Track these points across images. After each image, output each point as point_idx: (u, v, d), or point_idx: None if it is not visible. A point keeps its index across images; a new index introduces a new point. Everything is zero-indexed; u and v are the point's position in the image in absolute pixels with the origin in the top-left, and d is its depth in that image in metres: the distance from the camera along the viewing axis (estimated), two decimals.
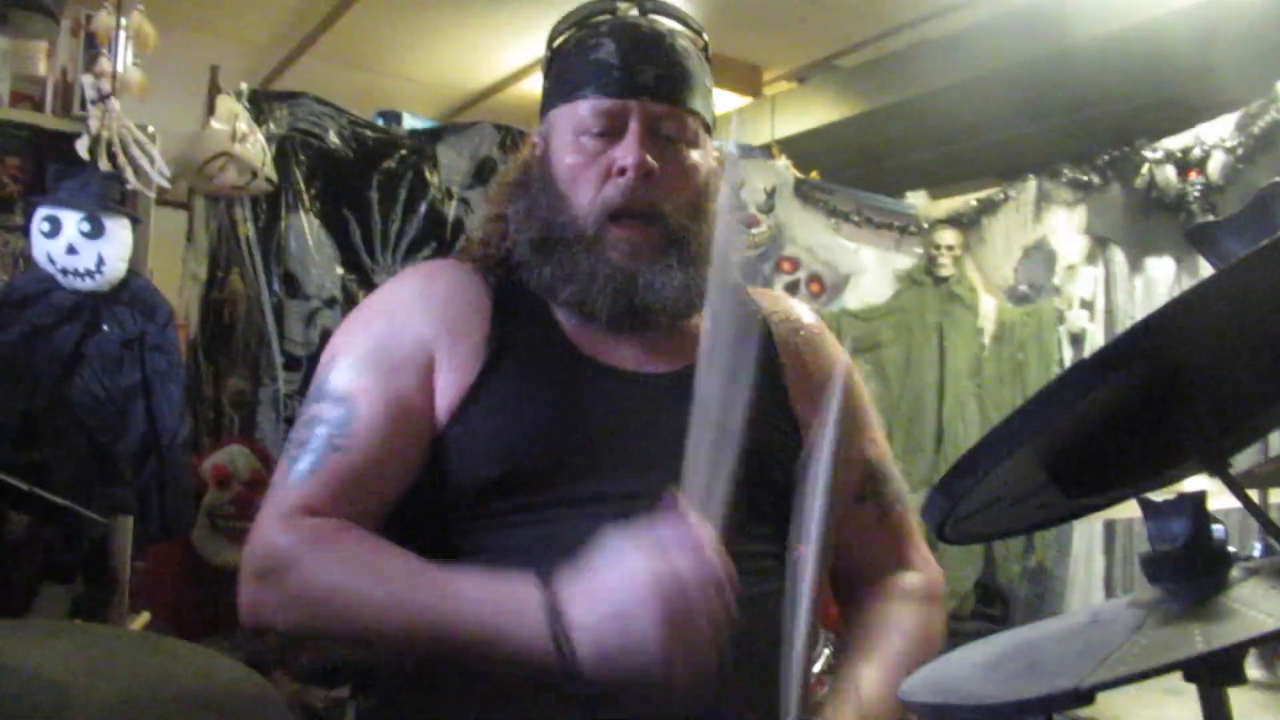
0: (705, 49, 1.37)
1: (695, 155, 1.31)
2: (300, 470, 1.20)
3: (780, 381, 1.34)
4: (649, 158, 1.25)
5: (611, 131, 1.27)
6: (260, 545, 1.17)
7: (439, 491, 1.23)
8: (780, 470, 1.26)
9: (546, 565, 1.09)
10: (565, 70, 1.33)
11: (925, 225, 4.29)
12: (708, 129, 1.34)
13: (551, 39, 1.36)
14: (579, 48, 1.31)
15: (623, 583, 0.99)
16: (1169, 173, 3.74)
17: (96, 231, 2.46)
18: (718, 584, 0.99)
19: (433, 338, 1.25)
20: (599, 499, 1.17)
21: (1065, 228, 4.05)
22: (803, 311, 1.46)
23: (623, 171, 1.25)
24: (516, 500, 1.19)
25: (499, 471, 1.19)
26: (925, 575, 1.39)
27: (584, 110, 1.28)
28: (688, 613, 0.97)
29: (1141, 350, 0.69)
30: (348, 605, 1.12)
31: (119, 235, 2.50)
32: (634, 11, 1.34)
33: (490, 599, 1.06)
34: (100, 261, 2.47)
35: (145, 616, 2.50)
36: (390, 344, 1.25)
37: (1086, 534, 3.84)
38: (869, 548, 1.37)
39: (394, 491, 1.22)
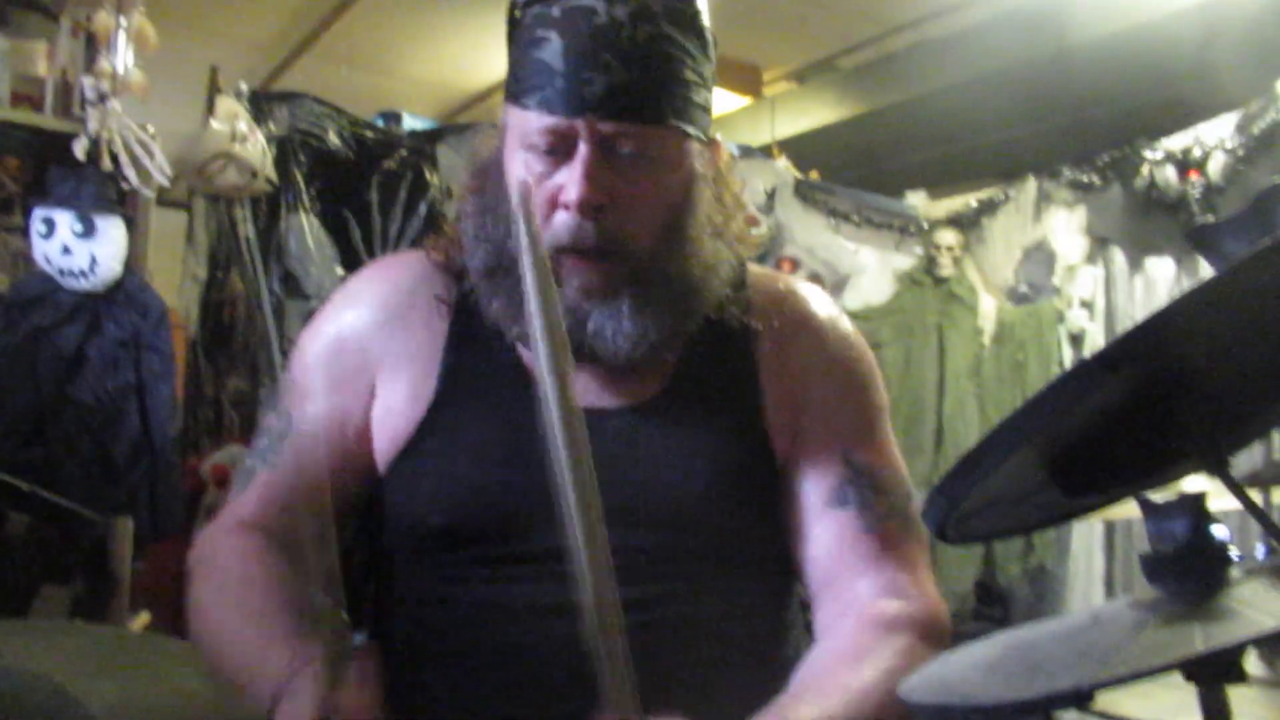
0: (695, 21, 1.10)
1: (665, 172, 1.11)
2: (241, 482, 1.18)
3: (754, 393, 1.18)
4: (598, 191, 1.06)
5: (558, 151, 1.08)
6: (191, 552, 1.17)
7: (386, 533, 1.16)
8: (750, 493, 1.15)
9: (495, 622, 1.06)
10: (516, 57, 1.11)
11: (925, 225, 4.29)
12: (698, 124, 1.12)
13: (508, 19, 1.13)
14: (529, 31, 1.09)
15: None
16: (1169, 173, 3.74)
17: (89, 231, 2.46)
18: None
19: (378, 357, 1.17)
20: (550, 554, 1.04)
21: (1065, 228, 4.05)
22: (810, 303, 1.27)
23: (567, 207, 1.07)
24: (463, 552, 1.10)
25: (445, 522, 1.10)
26: (921, 605, 1.13)
27: (528, 123, 1.08)
28: None
29: (1141, 350, 0.69)
30: (200, 627, 1.10)
31: (112, 235, 2.50)
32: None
33: (254, 663, 1.00)
34: (94, 262, 2.47)
35: (145, 616, 2.50)
36: (336, 358, 1.18)
37: (1086, 534, 3.84)
38: (845, 561, 1.15)
39: (329, 511, 1.12)
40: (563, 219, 1.08)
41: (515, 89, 1.10)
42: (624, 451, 1.10)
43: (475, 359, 1.15)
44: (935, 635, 1.11)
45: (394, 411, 1.15)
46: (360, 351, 1.17)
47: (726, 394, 1.14)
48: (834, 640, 1.10)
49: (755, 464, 1.16)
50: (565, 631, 1.02)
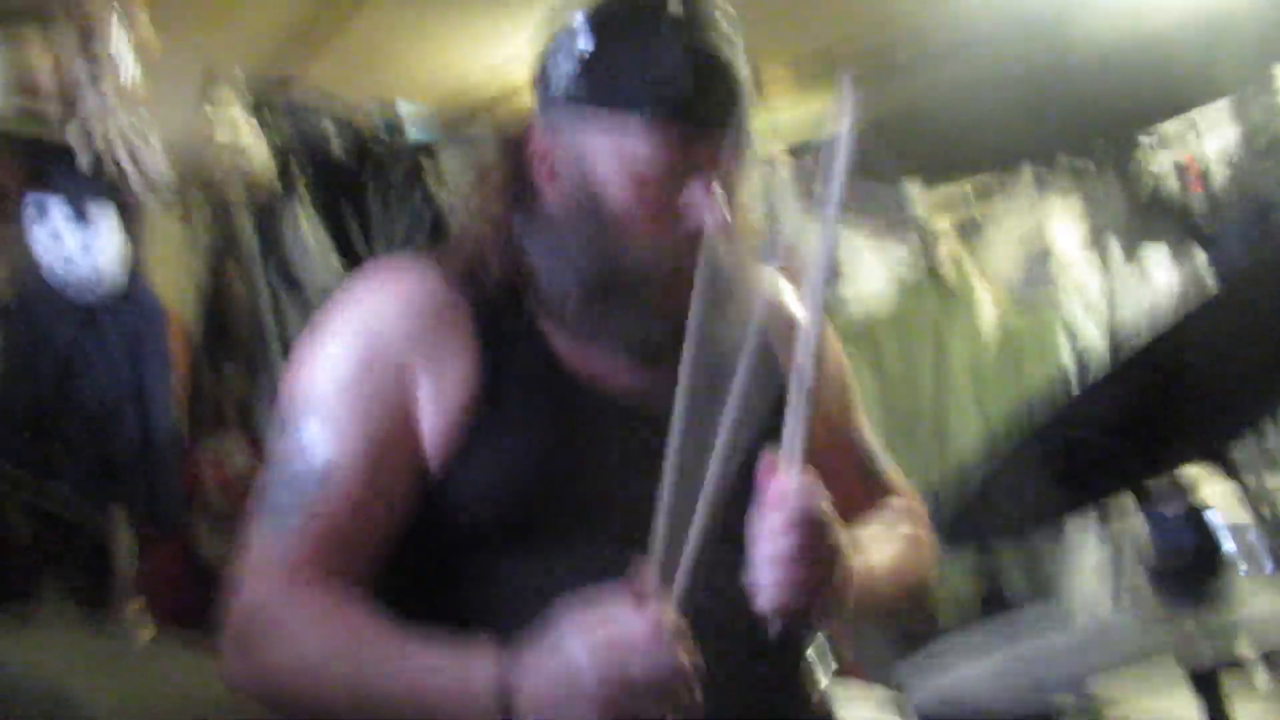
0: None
1: (745, 180, 1.20)
2: (280, 527, 1.13)
3: (778, 394, 1.21)
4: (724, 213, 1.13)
5: (676, 164, 1.13)
6: (237, 608, 1.13)
7: (435, 532, 1.16)
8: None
9: (549, 610, 1.05)
10: (613, 78, 1.13)
11: (924, 224, 4.29)
12: None
13: (588, 20, 1.15)
14: (634, 46, 1.12)
15: (567, 678, 0.96)
16: (1169, 173, 3.74)
17: (87, 233, 2.46)
18: (671, 679, 0.95)
19: (412, 365, 1.15)
20: (605, 541, 1.11)
21: (1065, 228, 4.05)
22: (794, 299, 1.37)
23: (698, 230, 1.12)
24: (521, 544, 1.13)
25: (501, 516, 1.14)
26: (904, 500, 1.32)
27: (648, 139, 1.11)
28: (630, 713, 0.94)
29: (1143, 359, 0.69)
30: (311, 687, 1.08)
31: (111, 235, 2.50)
32: (674, 6, 1.13)
33: (442, 683, 1.02)
34: (93, 262, 2.47)
35: (145, 616, 2.50)
36: (367, 375, 1.15)
37: (1086, 534, 3.84)
38: (859, 519, 1.30)
39: (383, 538, 1.16)
40: (693, 239, 1.12)
41: (619, 102, 1.12)
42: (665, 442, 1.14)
43: (510, 355, 1.17)
44: (922, 514, 1.27)
45: (434, 412, 1.15)
46: (392, 365, 1.16)
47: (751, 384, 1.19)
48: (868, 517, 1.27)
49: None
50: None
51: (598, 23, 1.15)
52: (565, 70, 1.16)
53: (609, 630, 0.96)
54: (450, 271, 1.21)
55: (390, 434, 1.14)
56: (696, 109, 1.12)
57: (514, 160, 1.21)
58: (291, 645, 1.08)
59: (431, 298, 1.19)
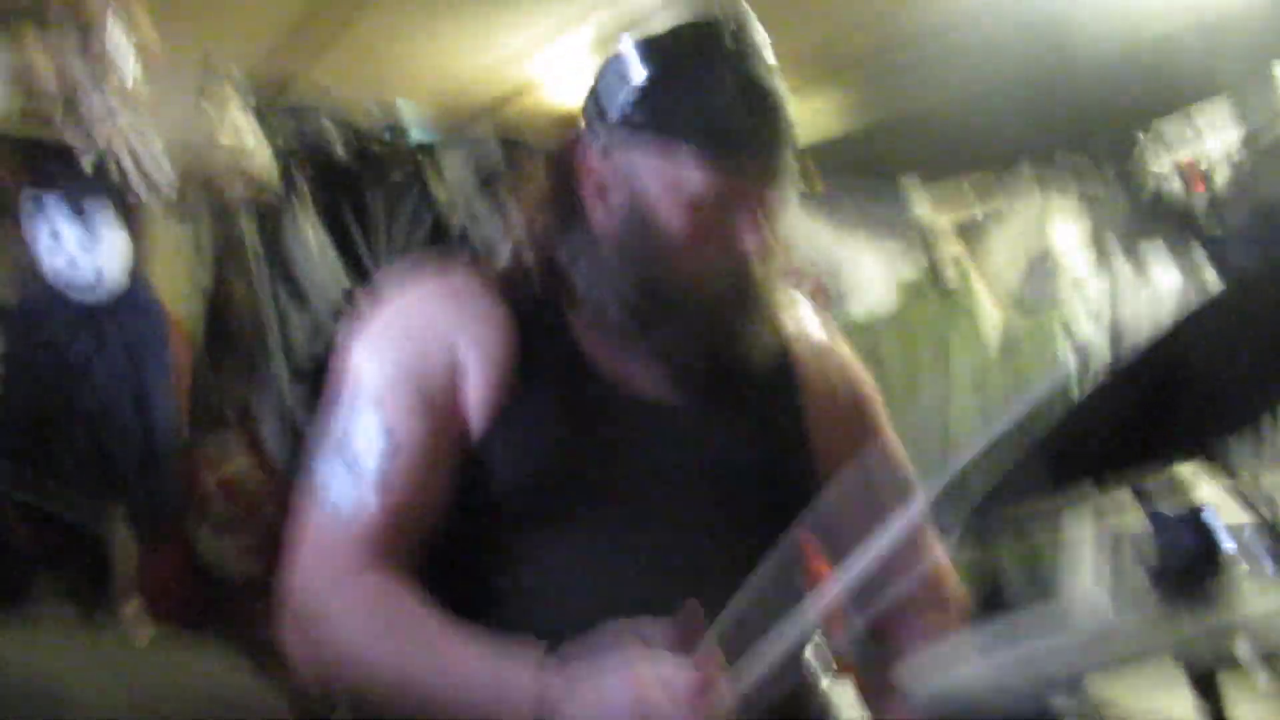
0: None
1: (785, 212, 1.28)
2: (337, 510, 1.19)
3: (798, 405, 1.33)
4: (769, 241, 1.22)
5: (729, 202, 1.20)
6: (296, 587, 1.20)
7: (469, 511, 1.23)
8: (794, 501, 1.23)
9: (566, 600, 1.13)
10: (671, 109, 1.18)
11: (929, 234, 4.29)
12: None
13: (646, 50, 1.21)
14: (706, 87, 1.18)
15: (604, 710, 0.98)
16: (1174, 182, 3.74)
17: (93, 242, 2.47)
18: None
19: (463, 359, 1.22)
20: (622, 528, 1.18)
21: (1070, 237, 4.05)
22: (816, 320, 1.45)
23: (745, 256, 1.21)
24: (541, 527, 1.19)
25: (526, 496, 1.20)
26: (950, 583, 1.38)
27: (703, 176, 1.18)
28: None
29: (1145, 364, 0.69)
30: (361, 670, 1.14)
31: (116, 244, 2.51)
32: (730, 41, 1.20)
33: (486, 684, 1.06)
34: (98, 270, 2.48)
35: (145, 616, 2.50)
36: (423, 370, 1.22)
37: (1086, 534, 3.83)
38: (903, 558, 1.37)
39: (434, 522, 1.23)
40: (737, 270, 1.21)
41: (675, 133, 1.18)
42: (692, 443, 1.22)
43: (542, 355, 1.23)
44: (960, 600, 1.37)
45: (478, 388, 1.21)
46: (442, 352, 1.22)
47: (771, 395, 1.28)
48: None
49: (799, 468, 1.29)
50: (637, 572, 1.16)
51: (655, 51, 1.20)
52: (620, 95, 1.21)
53: (654, 673, 0.97)
54: (490, 274, 1.29)
55: (444, 419, 1.21)
56: (749, 145, 1.19)
57: (560, 175, 1.27)
58: (344, 629, 1.15)
59: (477, 298, 1.26)
